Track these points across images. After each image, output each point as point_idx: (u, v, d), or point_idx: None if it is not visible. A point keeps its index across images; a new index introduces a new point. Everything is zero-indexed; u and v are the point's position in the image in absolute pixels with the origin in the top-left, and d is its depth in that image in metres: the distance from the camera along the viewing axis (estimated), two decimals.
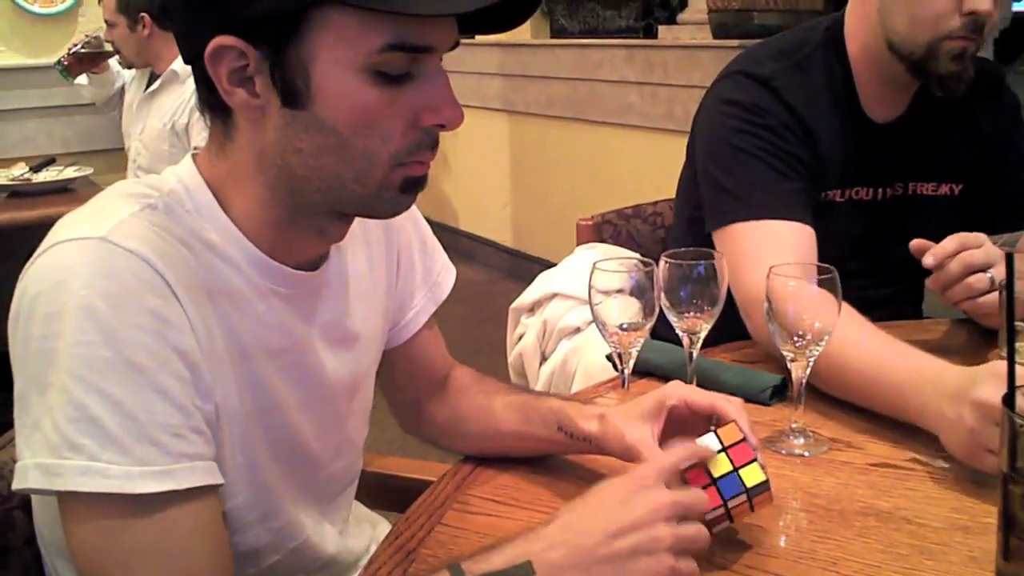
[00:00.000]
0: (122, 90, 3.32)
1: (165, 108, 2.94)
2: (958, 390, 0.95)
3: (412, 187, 0.80)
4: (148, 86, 3.03)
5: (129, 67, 3.11)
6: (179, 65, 2.92)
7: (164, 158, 2.93)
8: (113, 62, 3.26)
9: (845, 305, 1.06)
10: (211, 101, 0.79)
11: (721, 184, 1.40)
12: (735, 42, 3.12)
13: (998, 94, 1.55)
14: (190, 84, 2.87)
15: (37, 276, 0.71)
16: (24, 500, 0.91)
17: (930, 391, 1.00)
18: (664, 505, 0.73)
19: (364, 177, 0.77)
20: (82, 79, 3.31)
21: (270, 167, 0.78)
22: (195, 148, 2.84)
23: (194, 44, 0.75)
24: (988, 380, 0.92)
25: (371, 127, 0.75)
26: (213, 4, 0.73)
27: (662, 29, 3.80)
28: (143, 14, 2.89)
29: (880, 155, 1.46)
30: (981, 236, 1.24)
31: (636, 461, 0.90)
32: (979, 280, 1.21)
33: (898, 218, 1.49)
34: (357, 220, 0.89)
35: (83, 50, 3.13)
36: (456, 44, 0.79)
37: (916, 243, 1.25)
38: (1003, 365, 0.76)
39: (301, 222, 0.82)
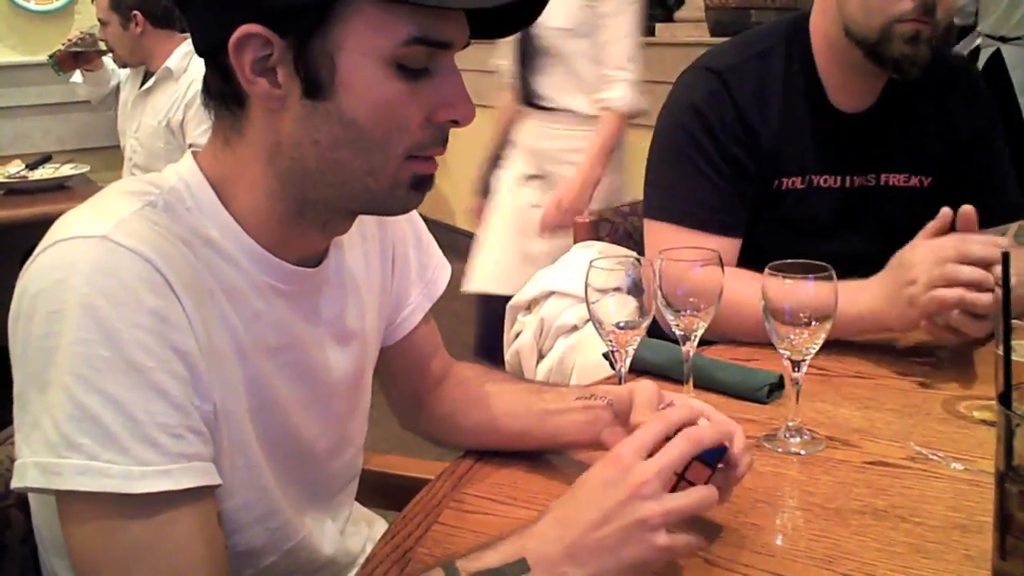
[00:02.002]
0: (117, 88, 3.31)
1: (160, 105, 2.95)
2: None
3: (421, 184, 0.81)
4: (143, 84, 3.03)
5: (123, 66, 3.10)
6: (173, 62, 2.92)
7: (160, 155, 2.93)
8: (108, 60, 3.25)
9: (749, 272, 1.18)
10: (225, 92, 0.78)
11: (656, 179, 1.52)
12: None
13: (972, 89, 1.56)
14: (184, 81, 2.92)
15: (38, 274, 0.71)
16: (21, 498, 0.91)
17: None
18: (645, 481, 0.72)
19: (378, 171, 0.78)
20: (77, 77, 3.30)
21: (283, 159, 0.78)
22: (191, 144, 2.85)
23: (216, 33, 0.74)
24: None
25: (391, 120, 0.76)
26: None
27: (659, 27, 3.81)
28: (135, 12, 2.89)
29: (849, 144, 1.48)
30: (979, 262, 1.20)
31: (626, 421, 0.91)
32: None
33: (867, 208, 1.51)
34: None
35: (76, 48, 3.12)
36: (467, 44, 0.80)
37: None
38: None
39: (307, 216, 0.82)
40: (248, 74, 0.74)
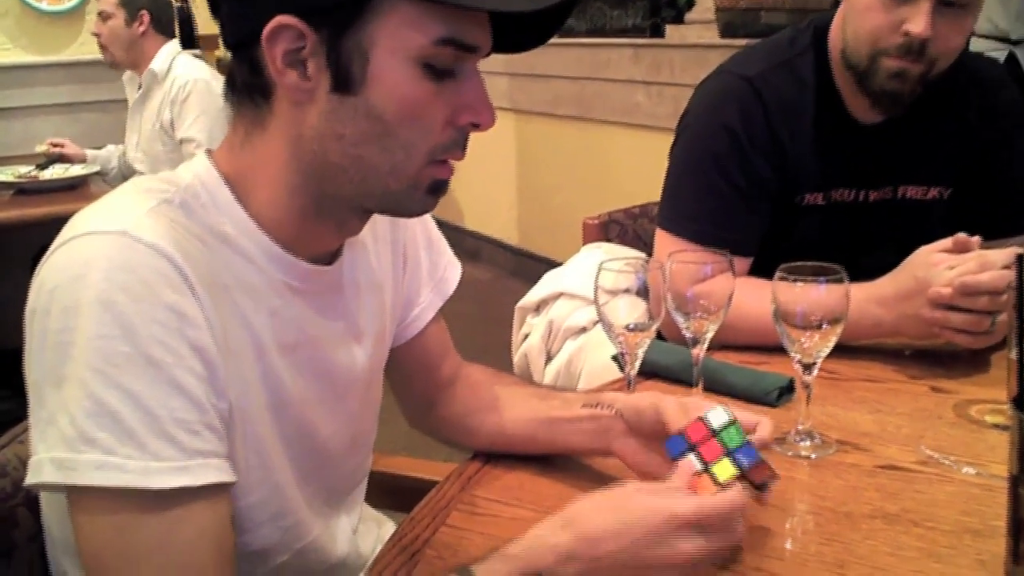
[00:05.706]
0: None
1: (152, 108, 3.02)
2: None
3: (438, 189, 0.82)
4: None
5: (111, 65, 3.14)
6: (157, 64, 3.00)
7: (162, 159, 2.98)
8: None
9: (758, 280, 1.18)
10: (251, 84, 0.79)
11: (674, 192, 1.49)
12: (742, 41, 3.11)
13: (994, 94, 1.52)
14: (169, 79, 3.02)
15: (55, 270, 0.71)
16: (28, 497, 0.91)
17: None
18: (693, 556, 0.73)
19: (399, 170, 0.78)
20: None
21: (305, 153, 0.78)
22: (182, 140, 2.89)
23: (250, 23, 0.75)
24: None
25: (416, 119, 0.76)
26: None
27: (669, 28, 3.80)
28: (144, 11, 2.96)
29: (866, 157, 1.46)
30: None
31: (660, 424, 0.90)
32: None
33: (884, 221, 1.49)
34: None
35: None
36: (489, 53, 0.80)
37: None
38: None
39: (324, 212, 0.82)
40: (279, 65, 0.75)
